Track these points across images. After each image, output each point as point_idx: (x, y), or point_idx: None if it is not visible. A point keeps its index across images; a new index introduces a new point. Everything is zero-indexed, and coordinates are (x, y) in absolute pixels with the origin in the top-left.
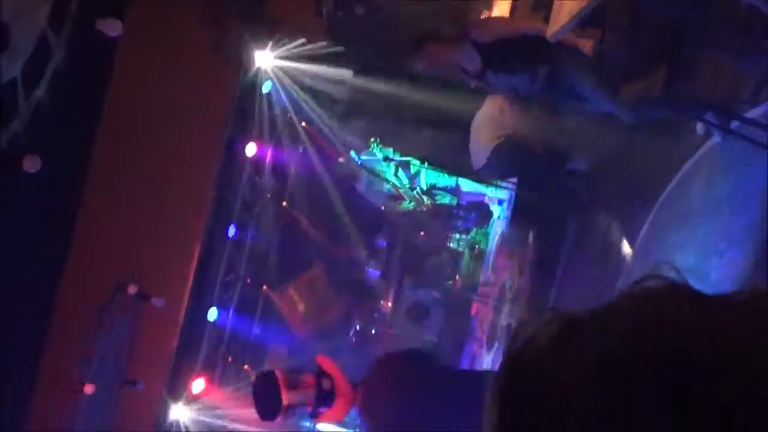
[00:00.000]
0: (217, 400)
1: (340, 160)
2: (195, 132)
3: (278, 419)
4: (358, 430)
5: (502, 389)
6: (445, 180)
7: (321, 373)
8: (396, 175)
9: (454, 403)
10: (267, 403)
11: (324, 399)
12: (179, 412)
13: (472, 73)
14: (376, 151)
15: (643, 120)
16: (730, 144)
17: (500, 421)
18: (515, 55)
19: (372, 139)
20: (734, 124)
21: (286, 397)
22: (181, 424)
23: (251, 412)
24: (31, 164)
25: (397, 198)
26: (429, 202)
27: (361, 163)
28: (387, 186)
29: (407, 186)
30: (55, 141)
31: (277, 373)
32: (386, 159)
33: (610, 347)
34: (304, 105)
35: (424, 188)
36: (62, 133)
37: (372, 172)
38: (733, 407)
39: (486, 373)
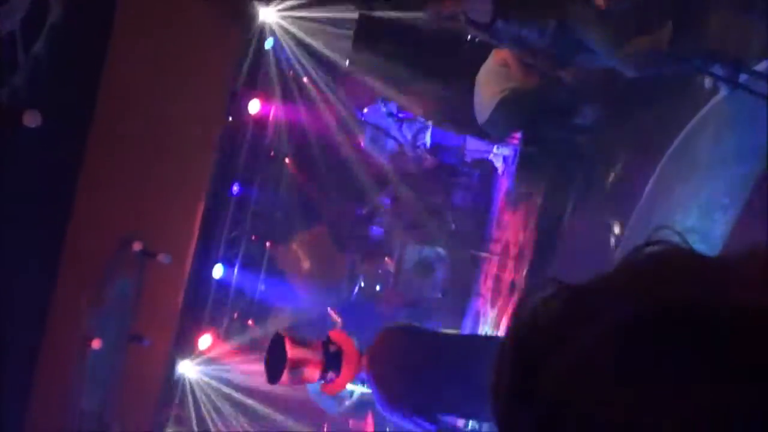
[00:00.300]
0: (224, 356)
1: (365, 110)
2: (198, 88)
3: (284, 377)
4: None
5: (513, 362)
6: (450, 138)
7: (328, 340)
8: (400, 130)
9: (458, 369)
10: (274, 364)
11: (331, 361)
12: (186, 368)
13: (480, 24)
14: (381, 106)
15: (649, 75)
16: (737, 98)
17: (511, 393)
18: (527, 5)
19: (377, 96)
20: (742, 78)
21: (290, 352)
22: (188, 380)
23: (258, 368)
24: (32, 119)
25: (401, 155)
26: (433, 159)
27: (364, 119)
28: (391, 142)
29: (411, 142)
30: (55, 96)
31: (284, 333)
32: (390, 115)
33: (628, 313)
34: (307, 61)
35: (429, 146)
36: (63, 88)
37: (376, 127)
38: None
39: (489, 338)
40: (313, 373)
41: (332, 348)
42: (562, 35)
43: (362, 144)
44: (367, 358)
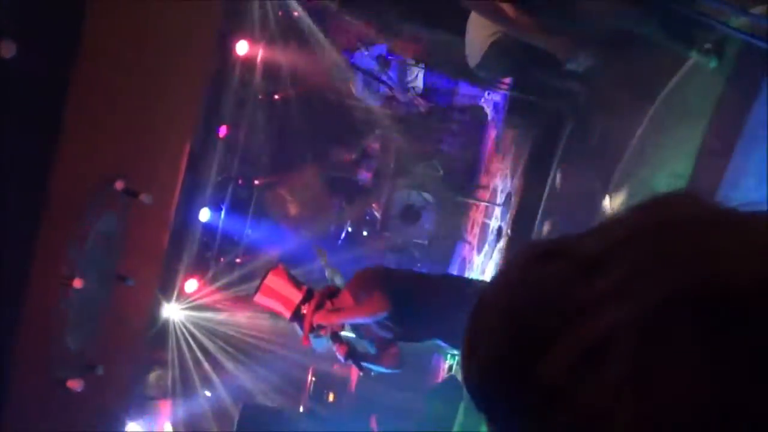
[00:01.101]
0: (210, 300)
1: (357, 52)
2: (186, 27)
3: (257, 299)
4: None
5: (513, 336)
6: (442, 81)
7: (311, 294)
8: (392, 73)
9: (441, 303)
10: (259, 285)
11: (299, 316)
12: (172, 311)
13: None
14: (365, 52)
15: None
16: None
17: (506, 369)
18: None
19: (363, 40)
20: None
21: (269, 281)
22: (174, 323)
23: (244, 313)
24: (6, 49)
25: (393, 99)
26: (424, 103)
27: (354, 63)
28: (382, 87)
29: (402, 86)
30: (34, 26)
31: (280, 265)
32: (379, 57)
33: (636, 273)
34: (297, 2)
35: (421, 89)
36: (43, 19)
37: (366, 72)
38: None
39: (468, 282)
40: (284, 310)
41: (304, 308)
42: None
43: (354, 88)
44: (347, 292)
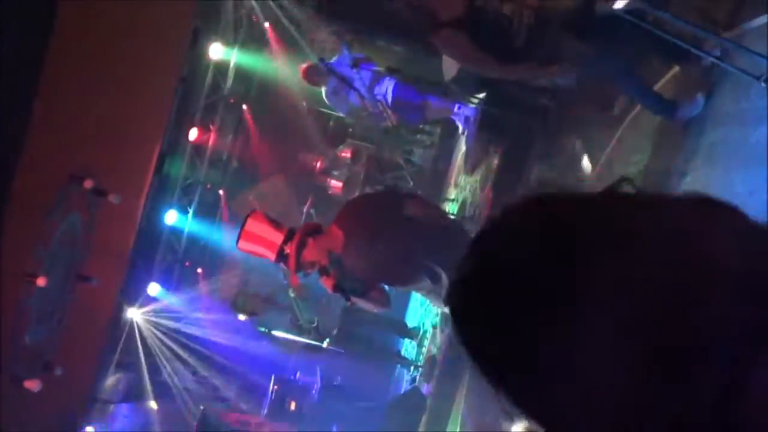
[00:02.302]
0: (173, 304)
1: (332, 58)
2: (157, 28)
3: (241, 245)
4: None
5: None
6: (412, 94)
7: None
8: (363, 83)
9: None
10: (240, 231)
11: (283, 256)
12: (134, 314)
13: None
14: (346, 52)
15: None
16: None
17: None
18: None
19: (343, 41)
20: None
21: (249, 226)
22: (136, 326)
23: (206, 316)
24: None
25: (362, 109)
26: (394, 115)
27: (327, 67)
28: (353, 95)
29: (372, 96)
30: (2, 25)
31: (257, 210)
32: (355, 63)
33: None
34: (272, 6)
35: (390, 101)
36: (12, 18)
37: (341, 78)
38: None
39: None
40: (268, 253)
41: (287, 248)
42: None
43: (324, 94)
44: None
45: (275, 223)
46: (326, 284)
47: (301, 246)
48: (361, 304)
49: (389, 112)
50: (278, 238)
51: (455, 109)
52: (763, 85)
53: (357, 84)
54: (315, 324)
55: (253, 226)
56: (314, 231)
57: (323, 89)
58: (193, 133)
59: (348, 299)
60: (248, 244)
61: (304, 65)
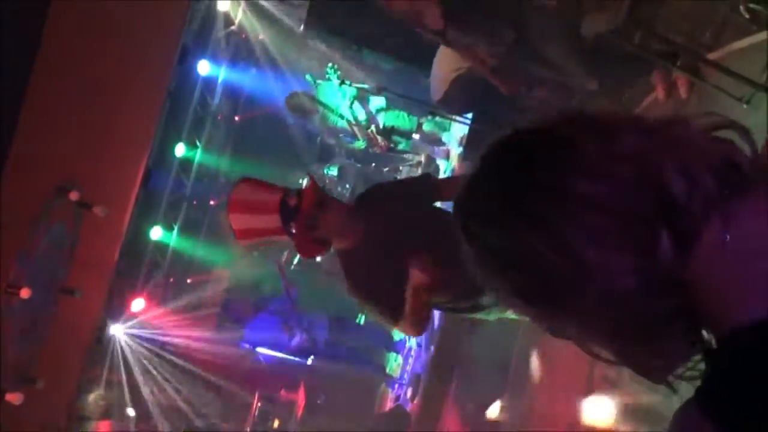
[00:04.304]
0: (157, 320)
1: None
2: (146, 43)
3: (235, 226)
4: None
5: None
6: (404, 122)
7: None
8: (351, 107)
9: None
10: None
11: (288, 211)
12: (117, 331)
13: (433, 30)
14: (332, 76)
15: (607, 85)
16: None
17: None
18: (479, 15)
19: (329, 65)
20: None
21: (236, 194)
22: (119, 343)
23: (189, 334)
24: None
25: (352, 136)
26: (384, 142)
27: (315, 97)
28: (341, 122)
29: (363, 123)
30: None
31: (245, 179)
32: (342, 83)
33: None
34: (261, 25)
35: (381, 128)
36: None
37: (326, 107)
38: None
39: None
40: (268, 221)
41: (291, 199)
42: (522, 47)
43: (312, 123)
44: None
45: (269, 185)
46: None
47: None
48: None
49: (378, 138)
50: (276, 195)
51: (443, 138)
52: (745, 106)
53: (344, 111)
54: (306, 325)
55: (243, 192)
56: (321, 202)
57: (310, 117)
58: (180, 149)
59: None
60: (240, 216)
61: (289, 96)
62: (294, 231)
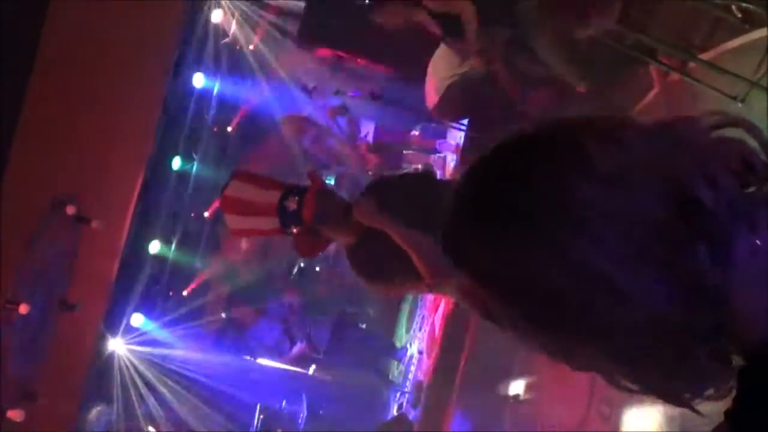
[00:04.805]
0: (157, 335)
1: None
2: (140, 57)
3: (229, 221)
4: None
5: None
6: (394, 134)
7: (290, 187)
8: (335, 121)
9: None
10: None
11: (288, 213)
12: (117, 346)
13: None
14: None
15: (597, 83)
16: (677, 89)
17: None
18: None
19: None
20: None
21: (231, 190)
22: (120, 358)
23: (190, 347)
24: None
25: (341, 154)
26: (375, 161)
27: (308, 118)
28: (332, 141)
29: (352, 140)
30: None
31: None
32: (337, 92)
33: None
34: (255, 36)
35: (371, 142)
36: None
37: (320, 127)
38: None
39: None
40: (266, 223)
41: (291, 203)
42: (515, 46)
43: (304, 142)
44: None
45: (266, 181)
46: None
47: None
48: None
49: (369, 156)
50: (273, 196)
51: (437, 146)
52: (739, 105)
53: (335, 131)
54: (308, 330)
55: (237, 189)
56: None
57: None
58: (177, 162)
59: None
60: (235, 217)
61: (282, 119)
62: (294, 232)
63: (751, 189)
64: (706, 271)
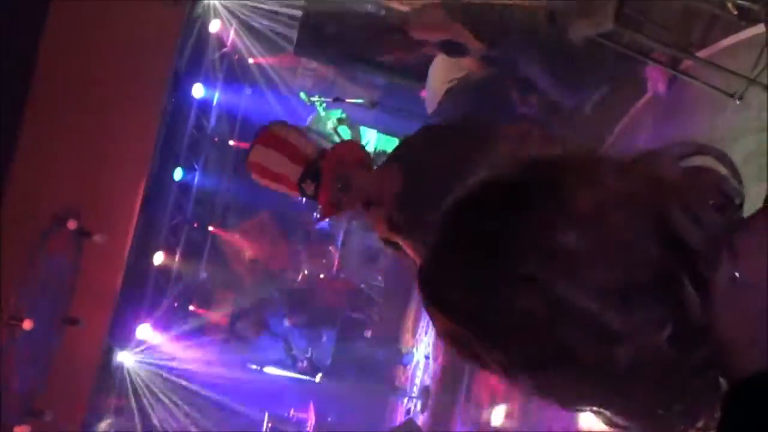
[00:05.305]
0: (163, 346)
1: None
2: (138, 69)
3: (251, 166)
4: None
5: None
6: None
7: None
8: (336, 131)
9: None
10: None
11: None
12: (125, 358)
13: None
14: (318, 107)
15: (584, 102)
16: (675, 87)
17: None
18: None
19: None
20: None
21: (262, 139)
22: (127, 370)
23: (197, 355)
24: None
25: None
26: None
27: (308, 128)
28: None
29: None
30: None
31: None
32: (336, 99)
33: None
34: (253, 45)
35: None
36: None
37: (319, 134)
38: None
39: None
40: (285, 188)
41: (308, 187)
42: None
43: None
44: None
45: (298, 146)
46: (374, 220)
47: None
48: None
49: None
50: (294, 171)
51: None
52: (738, 102)
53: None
54: (309, 354)
55: (259, 156)
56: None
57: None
58: (179, 173)
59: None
60: (260, 179)
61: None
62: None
63: (728, 215)
64: (696, 306)
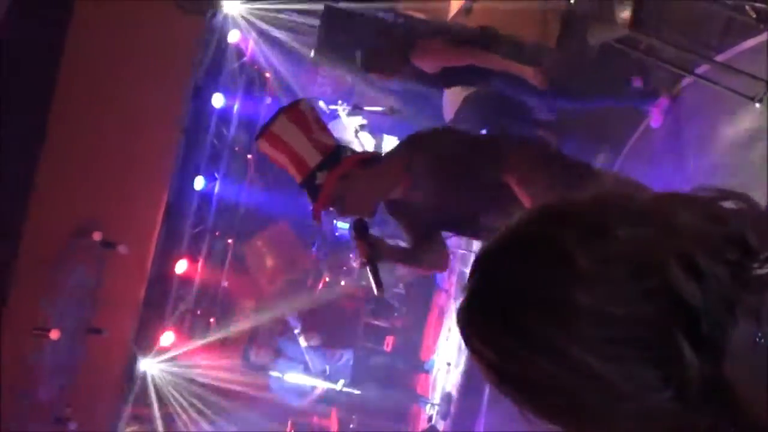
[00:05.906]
0: (187, 354)
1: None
2: (159, 80)
3: (263, 144)
4: None
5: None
6: None
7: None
8: (357, 137)
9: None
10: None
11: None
12: (148, 366)
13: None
14: (341, 114)
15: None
16: (694, 91)
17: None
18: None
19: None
20: (701, 70)
21: (280, 122)
22: (150, 378)
23: (220, 363)
24: None
25: None
26: None
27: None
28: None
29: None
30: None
31: (305, 103)
32: (356, 107)
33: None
34: (273, 55)
35: None
36: (20, 77)
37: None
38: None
39: None
40: (294, 170)
41: (320, 179)
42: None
43: None
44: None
45: (318, 131)
46: (359, 249)
47: (342, 179)
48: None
49: None
50: (314, 157)
51: None
52: (757, 105)
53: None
54: (326, 372)
55: (284, 128)
56: (371, 161)
57: None
58: (199, 182)
59: (378, 285)
60: (270, 148)
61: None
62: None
63: (756, 271)
64: (696, 366)
